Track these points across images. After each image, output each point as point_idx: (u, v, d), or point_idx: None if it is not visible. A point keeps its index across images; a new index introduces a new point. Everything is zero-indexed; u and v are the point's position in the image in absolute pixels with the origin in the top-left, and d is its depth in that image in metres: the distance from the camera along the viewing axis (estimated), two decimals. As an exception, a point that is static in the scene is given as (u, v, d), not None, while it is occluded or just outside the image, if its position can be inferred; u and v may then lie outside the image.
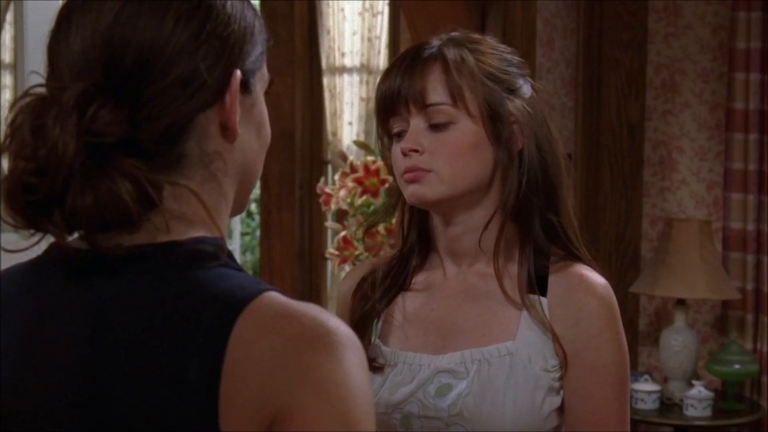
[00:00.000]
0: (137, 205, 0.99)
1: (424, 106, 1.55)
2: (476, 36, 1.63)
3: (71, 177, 0.98)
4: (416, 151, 1.55)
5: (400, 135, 1.58)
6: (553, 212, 1.60)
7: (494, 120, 1.56)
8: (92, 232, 1.00)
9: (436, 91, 1.55)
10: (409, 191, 1.56)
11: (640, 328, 4.39)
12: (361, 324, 1.62)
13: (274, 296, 1.00)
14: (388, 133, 1.61)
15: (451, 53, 1.57)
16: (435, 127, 1.55)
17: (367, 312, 1.63)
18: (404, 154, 1.56)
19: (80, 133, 0.98)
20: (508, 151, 1.57)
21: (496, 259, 1.58)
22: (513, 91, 1.59)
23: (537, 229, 1.59)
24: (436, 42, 1.60)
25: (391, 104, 1.57)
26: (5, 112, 0.99)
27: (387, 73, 1.60)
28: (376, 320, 1.63)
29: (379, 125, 1.62)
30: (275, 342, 0.96)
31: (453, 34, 1.63)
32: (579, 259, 1.61)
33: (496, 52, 1.61)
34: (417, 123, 1.56)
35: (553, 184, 1.60)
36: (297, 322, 0.98)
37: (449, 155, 1.54)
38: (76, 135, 0.98)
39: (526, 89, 1.62)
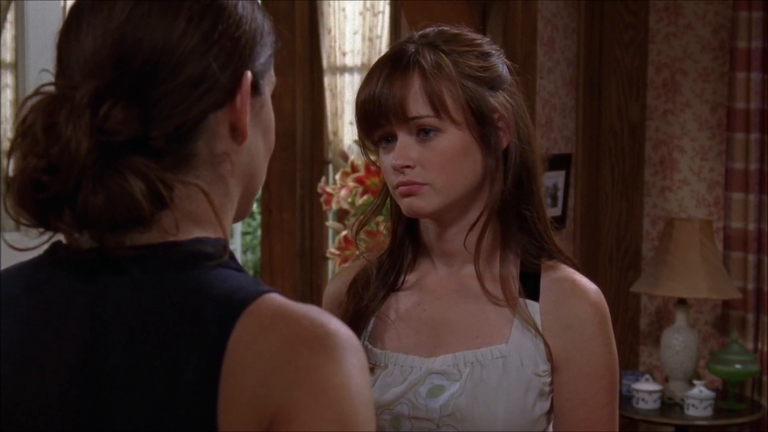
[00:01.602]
0: (150, 203, 0.99)
1: (407, 119, 1.53)
2: (450, 32, 1.60)
3: (83, 175, 0.98)
4: (409, 167, 1.54)
5: (387, 140, 1.57)
6: (528, 205, 1.59)
7: (480, 123, 1.55)
8: (102, 231, 1.00)
9: (418, 103, 1.53)
10: (405, 204, 1.56)
11: (641, 327, 4.39)
12: (353, 324, 1.61)
13: (274, 297, 1.00)
14: (371, 139, 1.59)
15: (427, 60, 1.54)
16: (423, 138, 1.54)
17: (359, 312, 1.62)
18: (396, 169, 1.55)
19: (93, 132, 0.98)
20: (495, 153, 1.56)
21: (477, 257, 1.57)
22: (494, 86, 1.57)
23: (514, 223, 1.59)
24: (411, 47, 1.57)
25: (372, 117, 1.55)
26: (6, 111, 1.00)
27: (366, 82, 1.57)
28: (367, 322, 1.62)
29: (360, 132, 1.60)
30: (274, 343, 0.96)
31: (427, 31, 1.60)
32: (553, 256, 1.61)
33: (471, 48, 1.58)
34: (404, 137, 1.54)
35: (530, 175, 1.59)
36: (296, 324, 0.97)
37: (441, 165, 1.53)
38: (88, 133, 0.98)
39: (505, 76, 1.60)
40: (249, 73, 1.07)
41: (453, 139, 1.54)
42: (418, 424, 1.55)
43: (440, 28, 1.61)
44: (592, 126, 4.28)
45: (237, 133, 1.07)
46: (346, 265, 3.26)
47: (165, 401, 0.97)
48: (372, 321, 1.62)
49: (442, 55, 1.55)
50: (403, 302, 1.63)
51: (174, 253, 1.02)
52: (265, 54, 1.10)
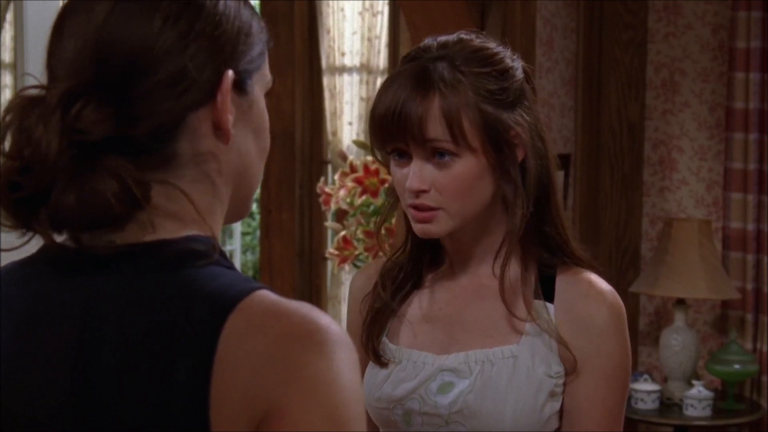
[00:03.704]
0: (121, 203, 0.99)
1: (424, 141, 1.53)
2: (470, 47, 1.57)
3: (56, 175, 0.99)
4: (424, 191, 1.54)
5: (400, 154, 1.56)
6: (547, 222, 1.60)
7: (496, 149, 1.55)
8: (77, 231, 1.01)
9: (437, 127, 1.52)
10: (418, 228, 1.57)
11: (640, 327, 4.39)
12: (374, 321, 1.64)
13: (265, 294, 1.00)
14: (383, 150, 1.59)
15: (446, 82, 1.52)
16: (438, 161, 1.54)
17: (380, 310, 1.64)
18: (410, 191, 1.55)
19: (64, 131, 0.99)
20: (513, 180, 1.56)
21: (502, 284, 1.58)
22: (511, 105, 1.57)
23: (535, 241, 1.60)
24: (430, 65, 1.54)
25: (389, 133, 1.55)
26: (5, 111, 1.03)
27: (383, 94, 1.56)
28: (390, 318, 1.64)
29: (374, 142, 1.59)
30: (265, 340, 0.96)
31: (448, 40, 1.58)
32: (582, 263, 1.62)
33: (491, 67, 1.56)
34: (419, 161, 1.54)
35: (547, 192, 1.60)
36: (287, 320, 0.98)
37: (456, 191, 1.54)
38: (59, 133, 0.99)
39: (522, 90, 1.58)
40: (230, 72, 1.06)
41: (469, 165, 1.54)
42: (428, 419, 1.57)
43: (460, 38, 1.59)
44: (591, 126, 4.28)
45: (220, 132, 1.07)
46: (346, 265, 3.26)
47: (158, 400, 0.97)
48: (393, 318, 1.65)
49: (461, 77, 1.53)
50: (421, 300, 1.66)
51: (166, 251, 1.03)
52: (252, 53, 1.10)
